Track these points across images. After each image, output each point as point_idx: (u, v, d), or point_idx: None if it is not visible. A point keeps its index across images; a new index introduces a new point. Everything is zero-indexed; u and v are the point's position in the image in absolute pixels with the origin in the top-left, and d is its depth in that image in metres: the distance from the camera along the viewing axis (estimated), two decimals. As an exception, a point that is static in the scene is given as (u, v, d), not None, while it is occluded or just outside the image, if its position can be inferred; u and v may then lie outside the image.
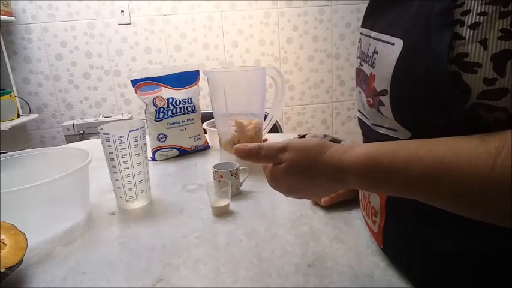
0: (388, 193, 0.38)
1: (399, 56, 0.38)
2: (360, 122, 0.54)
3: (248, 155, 0.47)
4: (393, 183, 0.36)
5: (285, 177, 0.44)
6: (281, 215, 0.68)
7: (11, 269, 0.49)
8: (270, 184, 0.47)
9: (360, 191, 0.58)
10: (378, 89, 0.42)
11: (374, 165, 0.37)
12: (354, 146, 0.40)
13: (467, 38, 0.32)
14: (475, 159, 0.30)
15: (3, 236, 0.53)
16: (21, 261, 0.52)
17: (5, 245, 0.52)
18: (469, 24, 0.32)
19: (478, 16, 0.32)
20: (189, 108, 1.06)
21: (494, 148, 0.30)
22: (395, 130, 0.42)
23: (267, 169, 0.47)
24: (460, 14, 0.33)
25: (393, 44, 0.39)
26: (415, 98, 0.37)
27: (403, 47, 0.38)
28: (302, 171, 0.42)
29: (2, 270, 0.48)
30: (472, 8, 0.32)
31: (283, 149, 0.44)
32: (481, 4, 0.31)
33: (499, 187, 0.29)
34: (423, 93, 0.36)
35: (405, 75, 0.37)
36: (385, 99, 0.41)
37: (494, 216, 0.32)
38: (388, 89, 0.40)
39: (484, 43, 0.31)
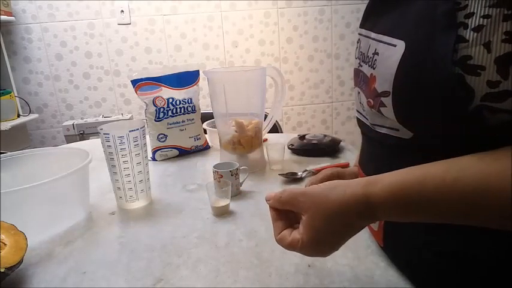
0: (421, 221, 0.37)
1: (401, 58, 0.38)
2: (359, 122, 0.53)
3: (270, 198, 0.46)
4: (425, 214, 0.35)
5: (312, 233, 0.40)
6: (281, 215, 0.67)
7: (11, 269, 0.49)
8: (301, 252, 0.42)
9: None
10: (379, 90, 0.42)
11: (403, 201, 0.35)
12: (373, 180, 0.38)
13: (470, 40, 0.32)
14: (505, 184, 0.30)
15: (3, 236, 0.53)
16: (21, 261, 0.52)
17: (5, 245, 0.52)
18: (473, 27, 0.32)
19: (481, 19, 0.31)
20: (189, 108, 1.06)
21: None
22: (397, 130, 0.42)
23: (285, 240, 0.42)
24: (464, 16, 0.33)
25: (395, 46, 0.39)
26: (418, 100, 0.37)
27: (405, 49, 0.37)
28: (329, 217, 0.39)
29: (2, 270, 0.47)
30: (475, 11, 0.32)
31: (301, 196, 0.41)
32: (485, 7, 0.31)
33: None
34: (426, 95, 0.36)
35: (408, 76, 0.37)
36: (387, 100, 0.41)
37: None
38: (390, 91, 0.40)
39: (487, 46, 0.31)
